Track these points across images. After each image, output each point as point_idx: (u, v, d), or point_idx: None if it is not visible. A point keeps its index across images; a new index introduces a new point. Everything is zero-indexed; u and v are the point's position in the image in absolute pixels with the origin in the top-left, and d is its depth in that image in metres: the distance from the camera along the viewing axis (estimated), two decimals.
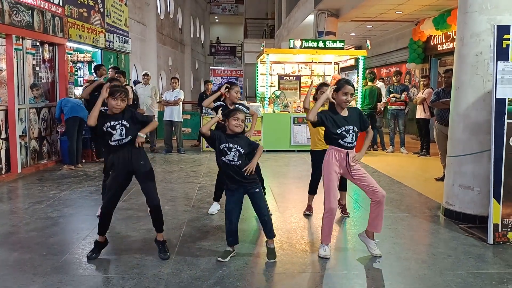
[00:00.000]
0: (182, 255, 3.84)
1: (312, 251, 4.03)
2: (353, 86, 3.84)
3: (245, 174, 3.68)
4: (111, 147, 3.77)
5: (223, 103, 4.95)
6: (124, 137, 3.71)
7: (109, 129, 3.70)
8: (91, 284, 3.32)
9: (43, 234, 4.39)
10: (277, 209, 5.40)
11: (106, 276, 3.46)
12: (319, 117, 3.80)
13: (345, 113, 3.87)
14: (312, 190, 5.17)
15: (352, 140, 3.83)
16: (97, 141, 8.37)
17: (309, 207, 5.20)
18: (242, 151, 3.71)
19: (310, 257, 3.87)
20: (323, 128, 3.99)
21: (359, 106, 9.87)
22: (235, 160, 3.71)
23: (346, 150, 3.82)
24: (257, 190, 3.79)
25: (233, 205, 3.79)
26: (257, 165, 3.91)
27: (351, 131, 3.81)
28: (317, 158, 4.91)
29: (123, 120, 3.72)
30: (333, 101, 3.85)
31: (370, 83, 10.16)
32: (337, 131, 3.80)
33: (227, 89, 4.91)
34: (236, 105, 4.92)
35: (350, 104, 3.94)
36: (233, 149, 3.70)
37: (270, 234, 3.83)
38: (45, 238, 4.26)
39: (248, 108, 5.07)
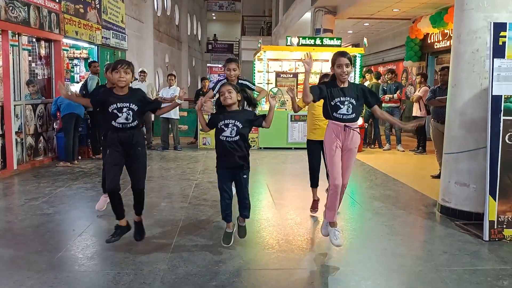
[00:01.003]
0: (178, 252, 3.84)
1: (308, 247, 4.04)
2: (348, 57, 3.74)
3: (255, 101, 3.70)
4: (114, 127, 3.68)
5: (225, 80, 4.89)
6: (130, 121, 3.63)
7: (115, 111, 3.60)
8: (87, 280, 3.31)
9: (38, 230, 4.38)
10: (273, 206, 5.40)
11: (102, 273, 3.45)
12: (313, 93, 3.72)
13: (344, 85, 3.77)
14: (314, 183, 4.98)
15: (348, 112, 3.71)
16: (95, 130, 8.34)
17: (315, 204, 4.98)
18: (240, 126, 3.67)
19: (307, 254, 3.88)
20: (320, 105, 3.96)
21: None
22: (233, 135, 3.67)
23: (343, 123, 3.72)
24: (245, 176, 3.83)
25: (225, 182, 3.83)
26: (248, 144, 3.85)
27: (346, 102, 3.70)
28: (312, 147, 4.91)
29: (131, 104, 3.63)
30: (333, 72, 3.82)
31: (375, 80, 10.32)
32: (331, 102, 3.72)
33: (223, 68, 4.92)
34: (239, 82, 4.82)
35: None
36: (230, 125, 3.67)
37: (246, 213, 3.93)
38: (40, 235, 4.25)
39: (253, 84, 5.05)
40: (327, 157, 3.82)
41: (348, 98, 3.72)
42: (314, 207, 5.01)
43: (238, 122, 3.67)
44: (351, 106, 3.72)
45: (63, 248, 3.91)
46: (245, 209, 3.92)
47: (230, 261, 3.66)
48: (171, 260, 3.65)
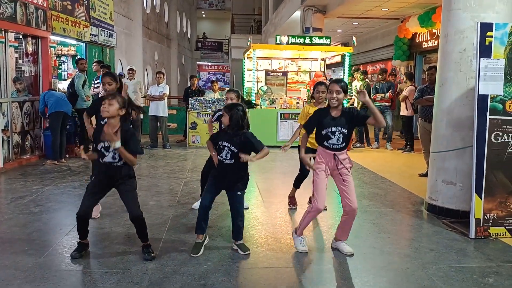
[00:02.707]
0: (166, 250, 3.82)
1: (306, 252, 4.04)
2: (341, 85, 3.70)
3: (239, 159, 3.61)
4: (99, 163, 3.61)
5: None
6: (116, 160, 3.56)
7: (102, 150, 3.54)
8: (74, 279, 3.29)
9: (25, 229, 4.33)
10: (262, 204, 5.41)
11: (89, 272, 3.43)
12: (306, 127, 3.91)
13: (336, 114, 3.77)
14: (296, 184, 5.20)
15: (337, 142, 3.74)
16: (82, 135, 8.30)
17: (292, 200, 5.23)
18: (235, 150, 3.67)
19: (295, 252, 3.89)
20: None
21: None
22: (228, 158, 3.69)
23: (332, 152, 3.76)
24: (239, 193, 3.81)
25: (210, 195, 3.79)
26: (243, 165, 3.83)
27: (337, 133, 3.72)
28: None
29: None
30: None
31: (363, 77, 10.45)
32: (322, 132, 3.76)
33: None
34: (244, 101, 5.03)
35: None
36: (226, 148, 3.69)
37: (239, 236, 3.86)
38: (27, 234, 4.21)
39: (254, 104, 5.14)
40: (314, 180, 3.83)
41: (339, 128, 3.73)
42: (291, 202, 5.25)
43: (233, 147, 3.68)
44: (341, 136, 3.74)
45: (50, 247, 3.87)
46: (237, 229, 3.83)
47: (218, 260, 3.66)
48: (159, 259, 3.63)
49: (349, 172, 3.81)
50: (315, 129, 3.88)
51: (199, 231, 3.82)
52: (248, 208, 5.09)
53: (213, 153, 3.80)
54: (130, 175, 3.68)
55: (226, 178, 3.77)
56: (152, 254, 3.66)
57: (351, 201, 3.76)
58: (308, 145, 4.90)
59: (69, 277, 3.32)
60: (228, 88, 5.14)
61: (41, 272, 3.36)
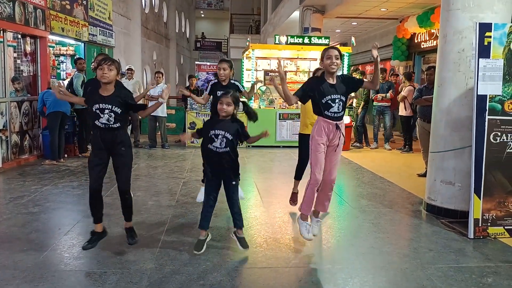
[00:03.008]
0: (165, 250, 3.82)
1: (296, 245, 4.05)
2: (338, 50, 3.74)
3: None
4: (96, 127, 3.62)
5: (215, 80, 4.92)
6: (111, 123, 3.57)
7: (97, 111, 3.55)
8: (73, 279, 3.28)
9: (24, 229, 4.32)
10: (261, 204, 5.41)
11: (88, 272, 3.42)
12: (301, 94, 3.74)
13: (333, 81, 3.74)
14: (298, 176, 5.09)
15: (339, 110, 3.71)
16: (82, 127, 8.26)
17: (294, 196, 5.09)
18: (230, 138, 3.65)
19: (294, 252, 3.89)
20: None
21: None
22: (222, 147, 3.65)
23: (335, 122, 3.73)
24: (234, 182, 3.81)
25: (213, 187, 3.79)
26: (236, 152, 3.83)
27: (337, 100, 3.68)
28: (306, 142, 4.92)
29: (113, 106, 3.55)
30: (322, 67, 3.81)
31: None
32: (322, 100, 3.69)
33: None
34: (231, 82, 4.88)
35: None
36: (220, 136, 3.65)
37: (240, 223, 3.86)
38: (26, 234, 4.20)
39: (243, 87, 5.05)
40: (313, 153, 3.82)
41: (339, 96, 3.71)
42: (294, 199, 5.12)
43: (228, 134, 3.65)
44: (341, 104, 3.73)
45: (48, 247, 3.87)
46: (238, 218, 3.84)
47: (217, 260, 3.65)
48: (158, 259, 3.63)
49: (342, 144, 3.87)
50: (310, 101, 3.82)
51: (202, 226, 3.81)
52: (244, 198, 5.08)
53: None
54: (126, 142, 3.70)
55: (222, 167, 3.72)
56: (136, 239, 3.70)
57: (333, 172, 3.82)
58: (306, 131, 4.84)
59: (68, 277, 3.31)
60: (220, 59, 5.02)
61: (40, 272, 3.36)
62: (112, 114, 3.56)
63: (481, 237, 4.30)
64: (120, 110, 3.59)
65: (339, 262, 3.72)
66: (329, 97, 3.69)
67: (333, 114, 3.71)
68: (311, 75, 11.42)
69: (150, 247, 3.89)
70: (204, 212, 3.82)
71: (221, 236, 4.21)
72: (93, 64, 9.17)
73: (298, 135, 5.12)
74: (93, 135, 3.70)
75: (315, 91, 3.75)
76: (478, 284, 3.33)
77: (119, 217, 4.67)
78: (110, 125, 3.58)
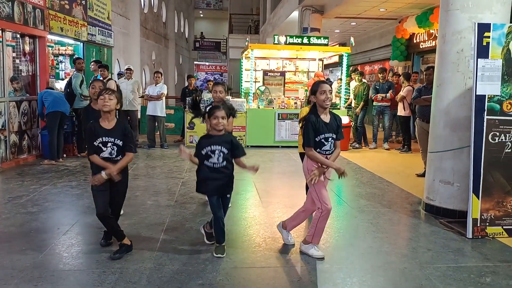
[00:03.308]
0: (164, 250, 3.82)
1: (295, 245, 4.04)
2: (330, 84, 3.78)
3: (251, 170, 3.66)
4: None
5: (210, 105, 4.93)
6: (113, 156, 3.62)
7: (100, 145, 3.58)
8: (72, 279, 3.28)
9: (22, 229, 4.32)
10: (260, 204, 5.41)
11: (87, 272, 3.42)
12: (310, 142, 3.67)
13: (326, 118, 3.72)
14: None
15: (330, 148, 3.71)
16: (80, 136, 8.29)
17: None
18: (226, 152, 3.63)
19: (293, 252, 3.89)
20: None
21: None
22: (220, 161, 3.62)
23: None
24: (228, 196, 3.81)
25: (218, 205, 3.73)
26: (232, 165, 3.80)
27: (330, 139, 3.69)
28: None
29: (116, 139, 3.60)
30: (313, 101, 3.76)
31: (361, 78, 10.42)
32: (316, 138, 3.67)
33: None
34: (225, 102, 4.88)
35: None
36: (216, 151, 3.61)
37: (221, 240, 3.77)
38: (25, 233, 4.20)
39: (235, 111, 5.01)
40: (315, 185, 3.73)
41: (331, 134, 3.70)
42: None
43: (224, 148, 3.63)
44: (333, 142, 3.73)
45: (47, 246, 3.87)
46: (220, 233, 3.77)
47: (216, 260, 3.66)
48: (157, 259, 3.63)
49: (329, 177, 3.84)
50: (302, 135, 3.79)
51: (222, 240, 3.77)
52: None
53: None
54: (125, 170, 3.78)
55: (224, 182, 3.69)
56: (117, 255, 3.63)
57: (329, 201, 3.76)
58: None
59: (67, 276, 3.31)
60: (214, 82, 5.07)
61: (38, 271, 3.36)
62: (114, 147, 3.62)
63: (480, 237, 4.31)
64: (122, 143, 3.65)
65: (338, 262, 3.72)
66: (323, 135, 3.67)
67: (325, 152, 3.71)
68: (310, 75, 11.47)
69: (149, 246, 3.89)
70: (220, 230, 3.74)
71: None
72: (92, 65, 9.20)
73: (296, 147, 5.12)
74: (96, 167, 3.69)
75: (312, 128, 3.70)
76: (476, 283, 3.34)
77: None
78: (112, 158, 3.63)
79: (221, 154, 3.62)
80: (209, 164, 3.63)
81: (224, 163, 3.65)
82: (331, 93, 3.74)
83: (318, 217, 3.73)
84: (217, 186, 3.69)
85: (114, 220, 3.75)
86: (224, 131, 3.71)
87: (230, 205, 4.92)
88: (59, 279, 3.25)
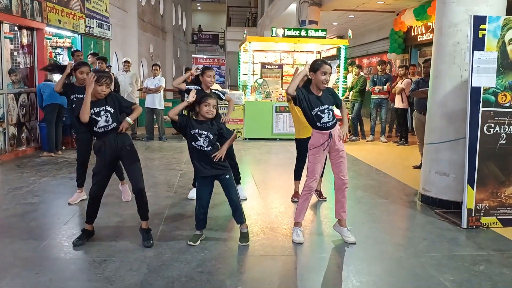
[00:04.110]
0: (164, 239, 3.88)
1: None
2: (330, 65, 3.82)
3: (214, 160, 3.69)
4: (97, 134, 3.72)
5: (198, 87, 4.95)
6: (110, 123, 3.69)
7: (93, 116, 3.64)
8: (73, 268, 3.33)
9: (23, 219, 4.36)
10: (258, 195, 5.46)
11: (88, 260, 3.46)
12: (298, 93, 3.76)
13: (318, 93, 3.82)
14: (297, 176, 5.22)
15: (329, 119, 3.79)
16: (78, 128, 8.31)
17: (296, 194, 5.16)
18: (212, 137, 3.70)
19: (290, 241, 3.95)
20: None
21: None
22: (205, 145, 3.70)
23: (328, 131, 3.80)
24: (227, 176, 3.81)
25: (203, 191, 3.81)
26: (231, 150, 3.86)
27: (326, 110, 3.77)
28: (302, 146, 4.96)
29: (107, 106, 3.69)
30: (310, 77, 3.83)
31: (358, 71, 10.39)
32: (312, 112, 3.77)
33: (199, 70, 4.93)
34: (212, 90, 4.92)
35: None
36: (203, 135, 3.68)
37: (239, 219, 3.86)
38: (25, 223, 4.24)
39: (223, 94, 5.05)
40: (310, 162, 3.87)
41: (327, 106, 3.80)
42: (296, 196, 5.13)
43: (211, 134, 3.69)
44: (330, 113, 3.81)
45: (48, 236, 3.92)
46: (235, 213, 3.84)
47: (215, 248, 3.71)
48: (157, 248, 3.69)
49: (343, 148, 3.92)
50: (303, 112, 3.89)
51: (199, 227, 3.86)
52: (246, 199, 5.13)
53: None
54: (130, 140, 3.86)
55: (211, 165, 3.74)
56: (152, 241, 3.73)
57: (344, 176, 3.90)
58: (302, 135, 4.95)
59: (68, 265, 3.36)
60: (205, 66, 5.13)
61: (40, 260, 3.41)
62: (108, 114, 3.68)
63: (474, 227, 4.37)
64: (113, 109, 3.71)
65: (334, 251, 3.78)
66: (318, 108, 3.77)
67: (325, 124, 3.79)
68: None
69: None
70: (196, 214, 3.83)
71: (219, 226, 4.27)
72: (90, 58, 9.19)
73: (294, 139, 5.26)
74: (96, 144, 3.76)
75: (305, 101, 3.80)
76: (470, 271, 3.41)
77: (118, 208, 4.75)
78: (110, 126, 3.68)
79: (207, 139, 3.69)
80: (195, 146, 3.71)
81: (209, 148, 3.71)
82: (330, 76, 3.81)
83: (301, 194, 3.95)
84: (205, 169, 3.73)
85: (98, 207, 3.82)
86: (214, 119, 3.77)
87: (246, 197, 4.98)
88: (60, 268, 3.31)
